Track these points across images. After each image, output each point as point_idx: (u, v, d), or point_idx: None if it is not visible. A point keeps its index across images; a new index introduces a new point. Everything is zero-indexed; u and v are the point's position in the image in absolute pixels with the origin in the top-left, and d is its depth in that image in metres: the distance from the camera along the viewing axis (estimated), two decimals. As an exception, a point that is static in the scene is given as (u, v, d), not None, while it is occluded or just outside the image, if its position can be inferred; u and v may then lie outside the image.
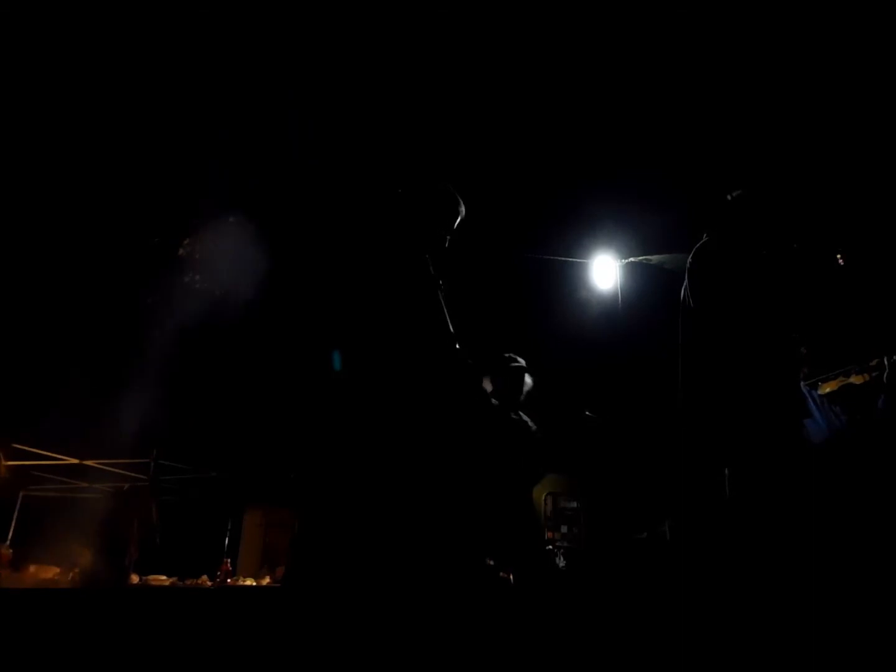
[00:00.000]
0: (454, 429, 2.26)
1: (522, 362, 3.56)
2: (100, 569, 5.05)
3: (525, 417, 3.42)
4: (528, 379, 3.54)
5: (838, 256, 2.67)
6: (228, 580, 6.10)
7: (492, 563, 3.10)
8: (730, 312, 2.38)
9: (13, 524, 7.95)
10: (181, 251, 7.43)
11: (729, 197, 2.67)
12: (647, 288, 6.97)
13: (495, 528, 3.00)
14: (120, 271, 7.24)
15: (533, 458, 3.39)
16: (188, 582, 5.95)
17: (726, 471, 2.35)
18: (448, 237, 2.44)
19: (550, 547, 9.42)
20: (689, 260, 2.58)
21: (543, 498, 10.07)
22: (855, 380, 3.24)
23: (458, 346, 2.22)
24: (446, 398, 2.22)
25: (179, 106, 6.22)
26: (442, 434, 2.17)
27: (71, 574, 5.31)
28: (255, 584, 6.20)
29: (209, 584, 5.94)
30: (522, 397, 3.51)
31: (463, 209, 2.45)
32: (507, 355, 3.59)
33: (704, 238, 2.65)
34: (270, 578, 6.56)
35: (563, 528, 10.00)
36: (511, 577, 3.38)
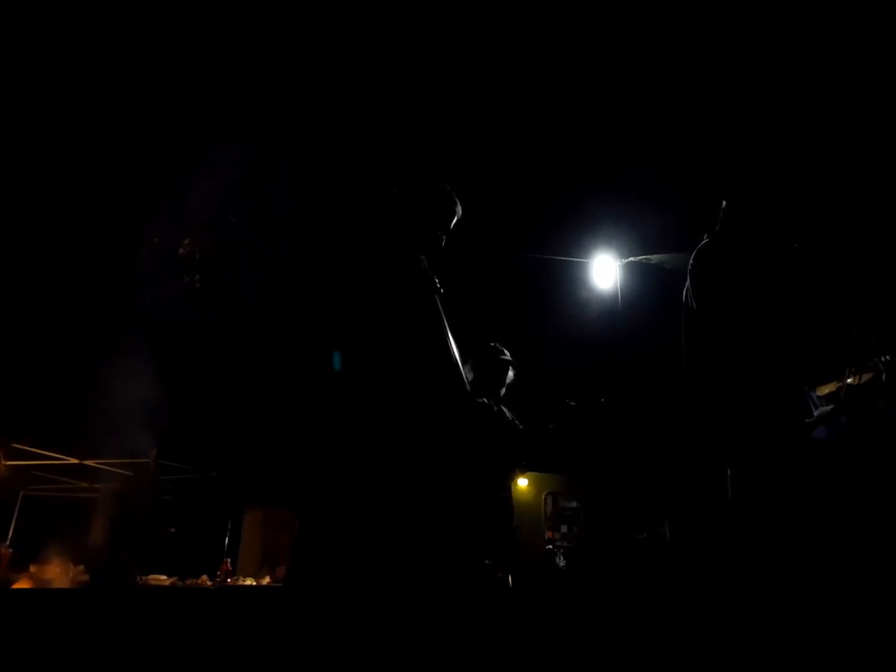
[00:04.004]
0: (448, 428, 2.27)
1: (508, 355, 3.54)
2: (109, 568, 5.08)
3: (504, 409, 3.42)
4: (510, 372, 3.52)
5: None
6: (228, 580, 6.10)
7: (489, 562, 3.10)
8: (732, 313, 2.38)
9: (13, 524, 7.95)
10: (181, 251, 7.43)
11: (729, 197, 2.66)
12: (647, 288, 6.97)
13: (481, 522, 3.00)
14: (120, 271, 7.24)
15: (512, 451, 3.39)
16: (188, 582, 5.95)
17: (728, 471, 2.35)
18: (444, 236, 2.43)
19: (550, 547, 9.43)
20: (691, 261, 2.58)
21: (543, 498, 10.07)
22: (853, 381, 3.24)
23: (456, 346, 2.22)
24: (442, 398, 2.22)
25: (174, 104, 6.22)
26: (438, 433, 2.18)
27: (79, 574, 5.31)
28: (255, 584, 6.20)
29: (209, 584, 5.94)
30: (503, 390, 3.49)
31: (459, 208, 2.44)
32: (492, 345, 3.57)
33: (705, 239, 2.65)
34: (270, 578, 6.56)
35: (563, 528, 10.00)
36: (509, 577, 3.38)
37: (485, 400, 3.34)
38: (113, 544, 5.57)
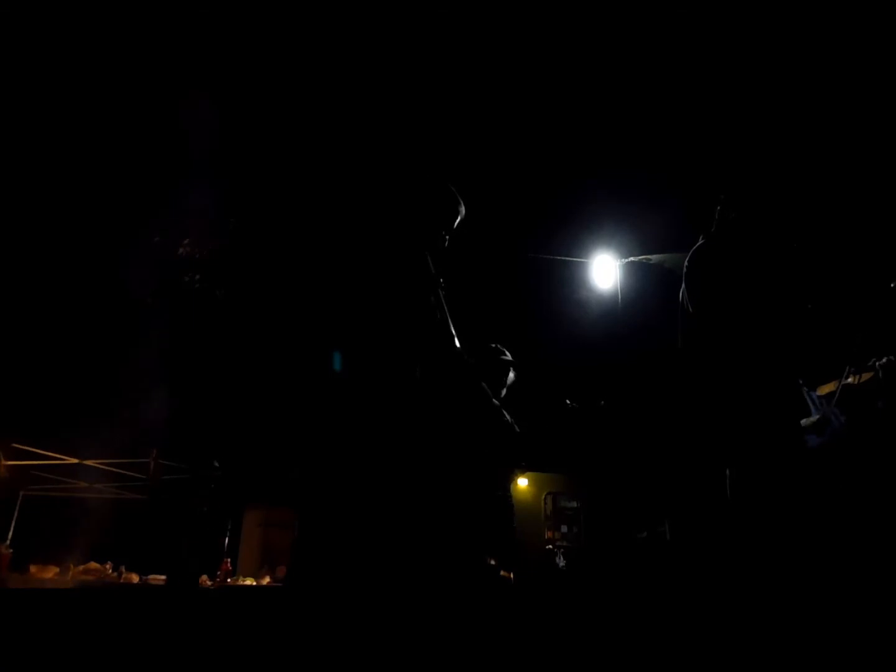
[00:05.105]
0: (453, 427, 2.27)
1: (509, 356, 3.53)
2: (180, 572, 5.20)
3: (504, 411, 3.41)
4: (510, 374, 3.52)
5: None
6: (228, 580, 6.10)
7: (493, 562, 3.10)
8: (728, 314, 2.38)
9: (13, 524, 7.95)
10: (181, 251, 7.43)
11: (723, 199, 2.66)
12: (647, 287, 6.98)
13: (481, 521, 3.00)
14: (121, 272, 7.24)
15: (511, 452, 3.40)
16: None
17: (727, 472, 2.35)
18: (448, 236, 2.44)
19: (550, 547, 9.44)
20: (686, 263, 2.58)
21: (543, 498, 10.07)
22: (853, 381, 3.24)
23: (457, 346, 2.22)
24: (445, 398, 2.22)
25: (179, 109, 6.22)
26: (439, 433, 2.18)
27: (79, 575, 5.33)
28: (255, 584, 6.19)
29: (209, 584, 5.93)
30: (504, 392, 3.49)
31: (463, 209, 2.45)
32: (494, 346, 3.57)
33: (701, 241, 2.65)
34: (270, 578, 6.56)
35: (563, 528, 10.00)
36: (511, 576, 3.38)
37: (495, 402, 3.34)
38: (179, 549, 5.68)
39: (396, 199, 2.42)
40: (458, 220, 2.45)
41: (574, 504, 10.25)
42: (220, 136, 6.30)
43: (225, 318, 7.50)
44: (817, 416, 3.17)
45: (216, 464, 7.73)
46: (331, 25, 5.89)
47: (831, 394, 3.32)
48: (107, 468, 7.89)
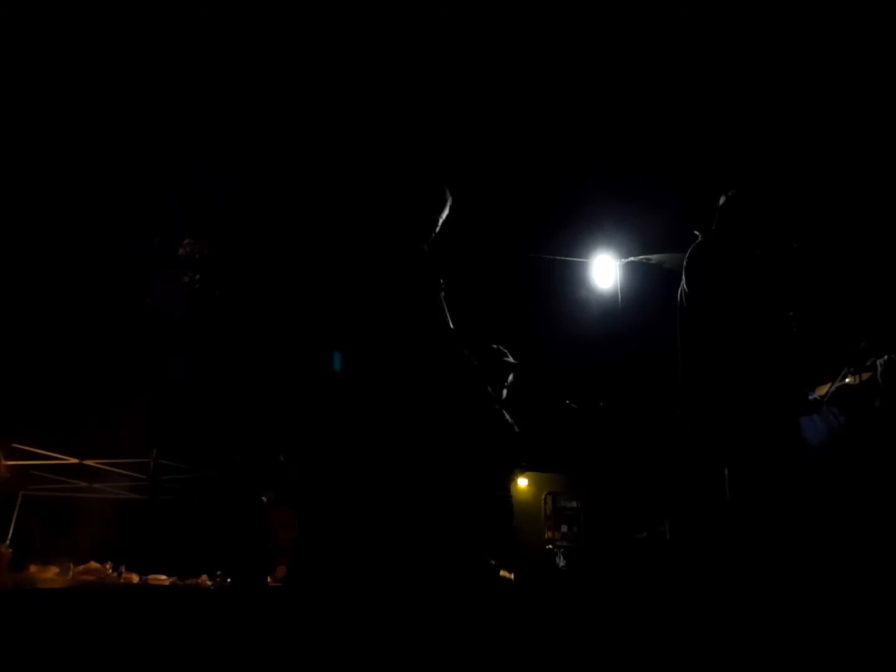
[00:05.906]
0: (454, 427, 2.27)
1: (510, 357, 3.54)
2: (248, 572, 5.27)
3: (503, 411, 3.41)
4: (510, 374, 3.52)
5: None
6: (228, 580, 6.10)
7: (493, 562, 3.10)
8: (726, 312, 2.38)
9: (13, 524, 7.95)
10: (181, 251, 7.43)
11: (723, 197, 2.67)
12: (647, 287, 6.98)
13: (481, 521, 3.00)
14: (121, 271, 7.25)
15: (511, 452, 3.40)
16: (188, 582, 5.95)
17: (726, 471, 2.35)
18: (438, 223, 2.43)
19: (550, 547, 9.43)
20: (685, 260, 2.58)
21: (543, 498, 10.07)
22: (851, 381, 3.25)
23: (460, 345, 2.23)
24: (447, 397, 2.23)
25: (176, 107, 6.22)
26: (442, 433, 2.18)
27: (78, 574, 5.34)
28: (254, 583, 6.19)
29: (209, 583, 5.94)
30: (504, 392, 3.50)
31: (449, 196, 2.45)
32: (495, 347, 3.57)
33: (699, 239, 2.65)
34: (270, 578, 6.55)
35: (563, 528, 10.00)
36: (511, 576, 3.38)
37: (495, 403, 3.34)
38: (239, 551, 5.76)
39: (388, 195, 2.43)
40: (445, 208, 2.45)
41: (574, 504, 10.25)
42: (218, 136, 6.31)
43: (225, 318, 7.50)
44: (815, 416, 3.17)
45: (282, 458, 7.68)
46: (330, 25, 5.90)
47: (829, 394, 3.32)
48: (107, 468, 7.90)
